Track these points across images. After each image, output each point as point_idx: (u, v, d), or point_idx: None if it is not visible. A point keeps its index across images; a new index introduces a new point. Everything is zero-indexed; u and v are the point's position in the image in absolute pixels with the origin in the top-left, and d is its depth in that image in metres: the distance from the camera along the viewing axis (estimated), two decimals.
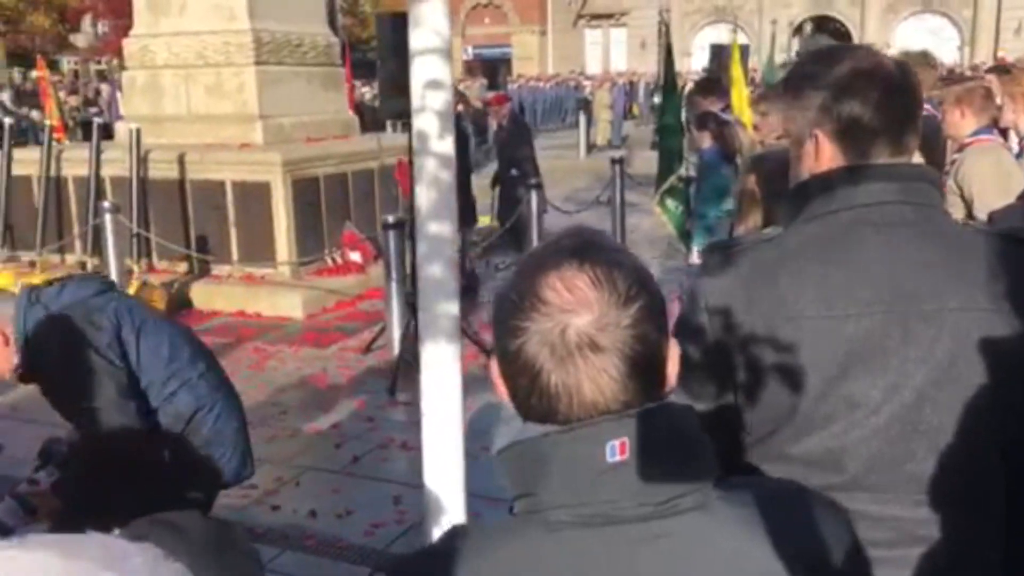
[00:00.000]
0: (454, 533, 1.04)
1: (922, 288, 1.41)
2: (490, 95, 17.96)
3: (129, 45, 9.43)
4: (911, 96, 1.52)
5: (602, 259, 0.97)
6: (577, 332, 0.93)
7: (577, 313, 0.94)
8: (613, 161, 9.82)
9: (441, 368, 2.69)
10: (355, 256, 8.64)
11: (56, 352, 2.67)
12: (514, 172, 9.33)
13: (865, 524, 1.24)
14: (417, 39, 2.51)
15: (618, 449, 0.93)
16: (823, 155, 1.53)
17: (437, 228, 2.61)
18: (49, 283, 2.82)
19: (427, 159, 2.58)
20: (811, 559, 0.97)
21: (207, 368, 3.00)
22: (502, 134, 10.40)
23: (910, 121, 1.52)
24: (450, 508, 2.71)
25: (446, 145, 2.59)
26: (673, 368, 1.01)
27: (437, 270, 2.63)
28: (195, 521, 1.59)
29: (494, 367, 1.03)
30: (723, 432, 1.41)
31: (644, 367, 0.96)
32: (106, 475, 1.79)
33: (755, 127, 7.05)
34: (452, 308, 2.68)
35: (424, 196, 2.60)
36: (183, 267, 8.61)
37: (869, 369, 1.41)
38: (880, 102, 1.47)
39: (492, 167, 11.05)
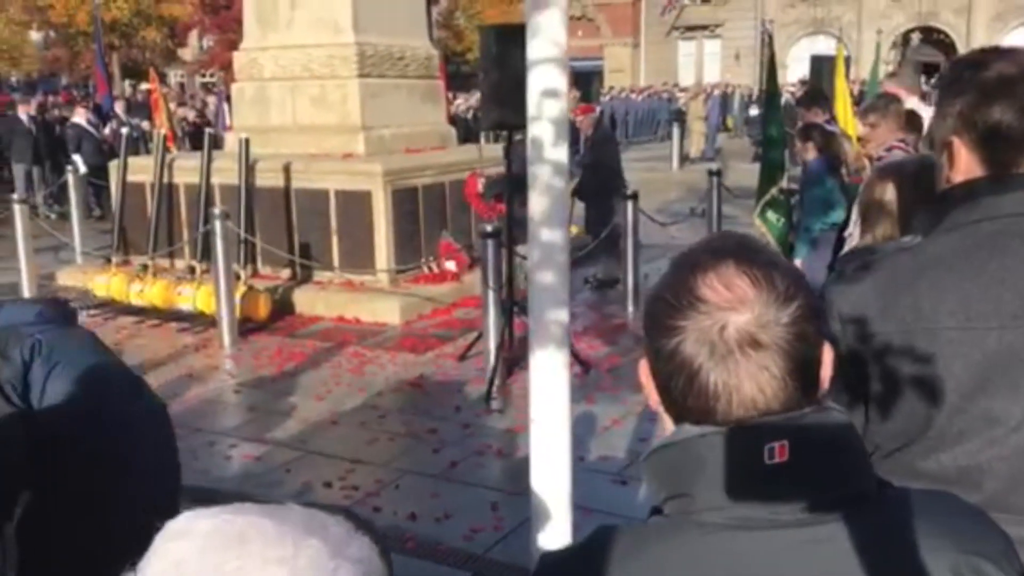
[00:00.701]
0: (604, 532, 1.04)
1: None
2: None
3: (239, 58, 9.79)
4: None
5: (758, 259, 0.97)
6: (737, 329, 0.93)
7: (737, 311, 0.94)
8: (710, 173, 9.74)
9: (550, 374, 2.72)
10: (450, 265, 8.76)
11: None
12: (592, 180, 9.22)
13: None
14: (535, 49, 2.55)
15: (777, 452, 0.93)
16: (959, 164, 1.49)
17: (550, 235, 2.65)
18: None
19: (541, 167, 2.61)
20: (970, 570, 0.95)
21: None
22: (587, 144, 10.38)
23: None
24: (556, 514, 2.73)
25: (560, 153, 2.63)
26: (827, 372, 1.00)
27: (549, 277, 2.67)
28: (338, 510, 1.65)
29: (644, 368, 1.04)
30: None
31: (803, 366, 0.95)
32: None
33: (860, 139, 6.92)
34: (563, 315, 2.71)
35: (538, 203, 2.64)
36: (286, 273, 8.86)
37: (1010, 384, 1.37)
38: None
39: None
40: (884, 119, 4.68)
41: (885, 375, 1.44)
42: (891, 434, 1.47)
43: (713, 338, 0.94)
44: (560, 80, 2.58)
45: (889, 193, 2.02)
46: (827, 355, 1.00)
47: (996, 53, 1.53)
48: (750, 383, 0.94)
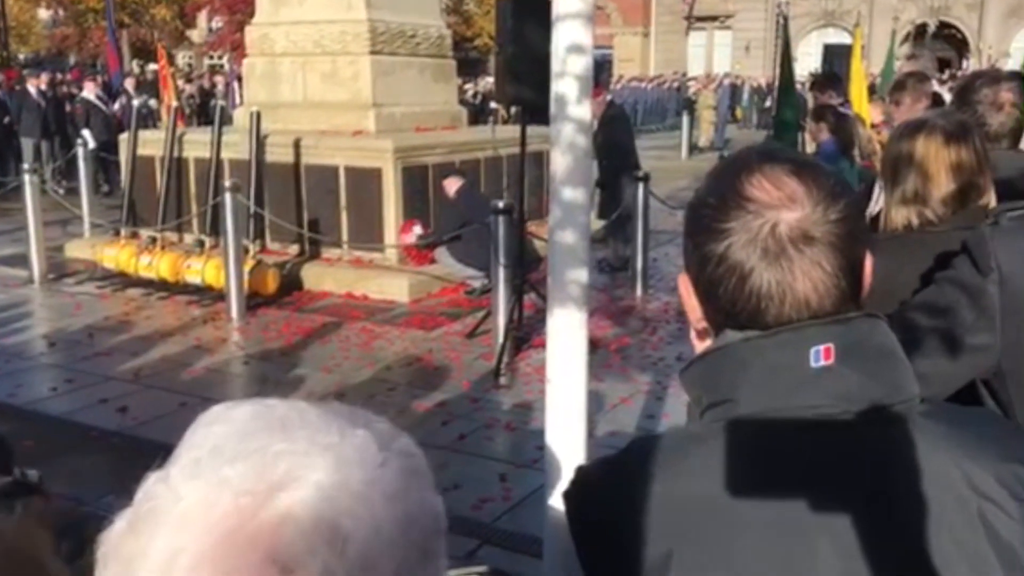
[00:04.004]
0: (641, 442, 1.03)
1: None
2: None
3: (250, 33, 9.76)
4: None
5: (802, 160, 0.97)
6: (789, 226, 0.92)
7: (788, 208, 0.93)
8: (721, 158, 9.67)
9: (568, 333, 2.70)
10: None
11: None
12: (604, 163, 9.12)
13: None
14: (562, 3, 2.52)
15: (823, 354, 0.92)
16: None
17: (571, 194, 2.63)
18: None
19: (565, 124, 2.59)
20: (1015, 478, 0.93)
21: None
22: (602, 126, 10.21)
23: None
24: (573, 458, 2.71)
25: (584, 111, 2.60)
26: (868, 279, 0.99)
27: (570, 236, 2.64)
28: None
29: (684, 281, 1.02)
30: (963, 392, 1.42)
31: (853, 264, 0.94)
32: None
33: (874, 125, 6.89)
34: (582, 275, 2.69)
35: (560, 161, 2.61)
36: (295, 248, 8.85)
37: None
38: None
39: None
40: (908, 95, 4.66)
41: None
42: None
43: (765, 236, 0.93)
44: (585, 36, 2.55)
45: (919, 146, 2.00)
46: (869, 261, 0.98)
47: None
48: (804, 280, 0.93)
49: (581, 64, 2.55)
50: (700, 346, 1.06)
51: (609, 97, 10.36)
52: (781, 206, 0.93)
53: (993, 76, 2.65)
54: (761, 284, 0.93)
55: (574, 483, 1.04)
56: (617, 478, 1.00)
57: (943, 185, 1.95)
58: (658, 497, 0.93)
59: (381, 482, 0.64)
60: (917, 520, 0.90)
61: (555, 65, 2.58)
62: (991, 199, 1.96)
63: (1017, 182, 2.52)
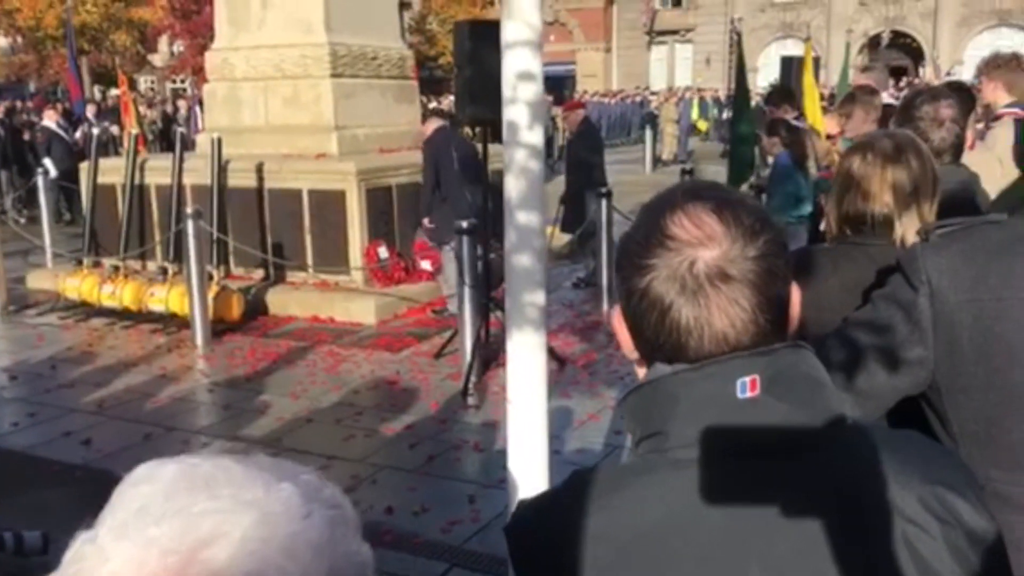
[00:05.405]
0: (580, 475, 1.04)
1: None
2: (558, 109, 17.98)
3: (210, 59, 9.73)
4: None
5: (726, 198, 0.99)
6: (706, 264, 0.95)
7: (705, 246, 0.95)
8: (683, 172, 9.78)
9: (527, 356, 2.72)
10: (425, 264, 8.74)
11: None
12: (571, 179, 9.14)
13: None
14: (510, 31, 2.56)
15: (748, 386, 0.94)
16: None
17: (526, 218, 2.66)
18: None
19: (517, 150, 2.62)
20: (937, 501, 0.97)
21: None
22: (573, 141, 10.19)
23: None
24: (536, 478, 2.73)
25: (535, 136, 2.64)
26: (796, 311, 1.01)
27: (526, 260, 2.67)
28: None
29: (617, 314, 1.05)
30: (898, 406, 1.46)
31: (773, 300, 0.97)
32: None
33: (829, 136, 7.00)
34: (539, 297, 2.72)
35: (514, 186, 2.65)
36: (260, 274, 8.81)
37: None
38: None
39: (556, 182, 10.95)
40: (858, 108, 4.75)
41: (977, 342, 1.49)
42: (978, 405, 1.52)
43: (683, 274, 0.95)
44: (535, 63, 2.59)
45: (862, 165, 2.05)
46: (795, 294, 1.01)
47: None
48: (721, 317, 0.95)
49: (532, 90, 2.59)
50: (640, 375, 1.09)
51: (582, 112, 10.33)
52: (700, 244, 0.95)
53: (933, 93, 2.72)
54: (680, 319, 0.96)
55: (513, 519, 1.06)
56: (554, 513, 1.02)
57: (884, 203, 2.01)
58: (593, 531, 0.95)
59: (307, 534, 0.65)
60: (846, 545, 0.93)
61: (506, 91, 2.61)
62: (930, 215, 2.02)
63: (959, 195, 2.59)
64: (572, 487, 1.02)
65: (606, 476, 1.02)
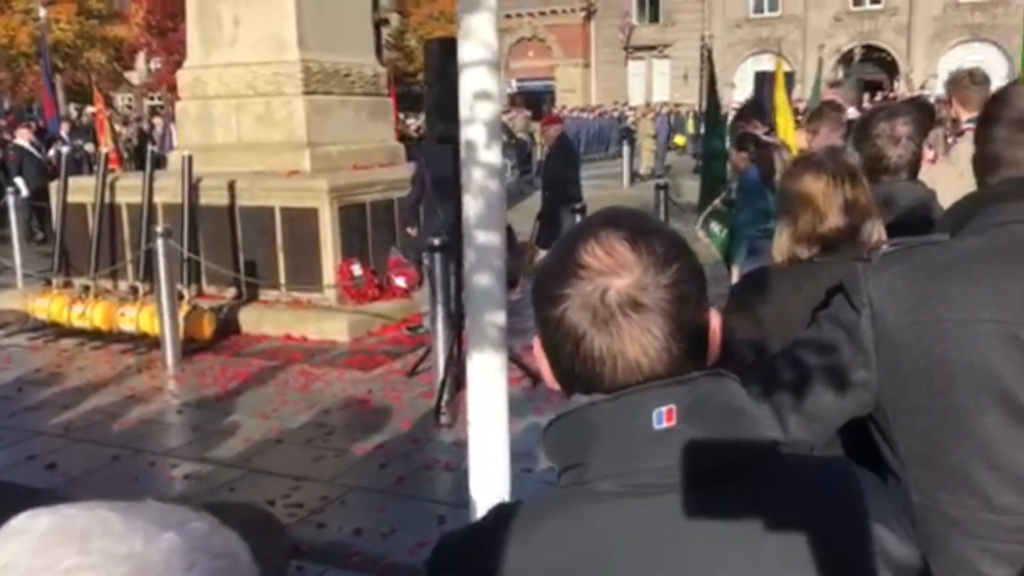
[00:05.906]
0: (502, 509, 1.03)
1: None
2: (536, 125, 18.03)
3: (182, 76, 9.68)
4: None
5: (639, 225, 0.98)
6: (618, 292, 0.93)
7: (617, 275, 0.94)
8: (658, 187, 9.81)
9: (487, 377, 2.70)
10: (400, 281, 8.71)
11: None
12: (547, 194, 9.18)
13: None
14: (466, 52, 2.55)
15: (665, 416, 0.92)
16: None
17: (485, 238, 2.64)
18: None
19: (475, 169, 2.61)
20: (857, 530, 0.95)
21: None
22: (550, 156, 10.15)
23: None
24: (498, 499, 2.70)
25: (493, 155, 2.62)
26: (716, 338, 1.00)
27: (485, 279, 2.65)
28: (241, 507, 1.60)
29: (536, 344, 1.04)
30: (852, 428, 1.50)
31: (687, 328, 0.95)
32: None
33: (801, 151, 7.02)
34: (499, 317, 2.70)
35: (472, 205, 2.63)
36: (232, 292, 8.74)
37: None
38: None
39: (534, 197, 10.96)
40: (824, 124, 4.79)
41: (917, 363, 1.49)
42: (923, 427, 1.52)
43: (595, 303, 0.94)
44: (492, 82, 2.58)
45: (811, 184, 2.05)
46: (715, 321, 1.00)
47: None
48: (633, 346, 0.94)
49: (489, 110, 2.58)
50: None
51: (559, 126, 10.35)
52: (611, 273, 0.94)
53: (890, 111, 2.73)
54: (593, 349, 0.95)
55: (433, 552, 1.03)
56: (473, 547, 1.00)
57: (832, 221, 2.01)
58: (511, 565, 0.93)
59: None
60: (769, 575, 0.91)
61: (463, 111, 2.60)
62: (879, 234, 2.02)
63: (916, 211, 2.60)
64: (494, 520, 1.01)
65: (528, 509, 1.00)
